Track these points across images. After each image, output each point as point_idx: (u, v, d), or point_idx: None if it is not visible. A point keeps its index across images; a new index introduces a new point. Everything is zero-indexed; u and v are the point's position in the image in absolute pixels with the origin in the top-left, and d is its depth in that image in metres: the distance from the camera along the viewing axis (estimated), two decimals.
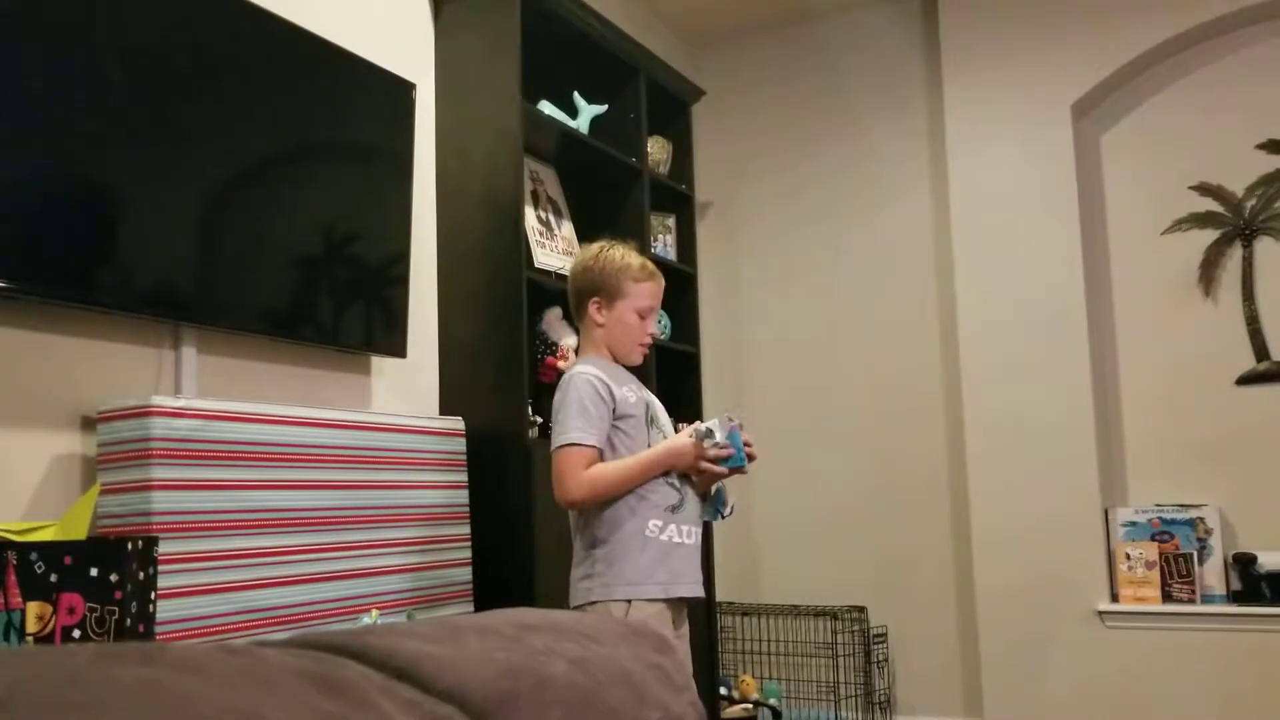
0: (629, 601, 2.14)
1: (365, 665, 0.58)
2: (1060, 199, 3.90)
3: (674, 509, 2.21)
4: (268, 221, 2.43)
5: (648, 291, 2.29)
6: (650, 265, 2.33)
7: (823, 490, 4.30)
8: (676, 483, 2.24)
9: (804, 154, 4.49)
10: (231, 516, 2.16)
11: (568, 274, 2.37)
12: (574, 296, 2.32)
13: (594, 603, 2.16)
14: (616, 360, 2.31)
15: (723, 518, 2.38)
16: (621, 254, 2.30)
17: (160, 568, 1.92)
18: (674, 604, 2.19)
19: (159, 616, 1.90)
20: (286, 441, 2.30)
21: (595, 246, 2.33)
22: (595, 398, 2.16)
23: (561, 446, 2.14)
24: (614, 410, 2.18)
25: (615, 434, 2.19)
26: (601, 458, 2.17)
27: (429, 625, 0.67)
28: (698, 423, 2.22)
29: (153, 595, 1.80)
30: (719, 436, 2.18)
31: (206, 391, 2.33)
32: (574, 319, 2.38)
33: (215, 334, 2.37)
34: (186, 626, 2.03)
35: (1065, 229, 3.88)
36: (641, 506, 2.17)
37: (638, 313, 2.28)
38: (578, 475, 2.13)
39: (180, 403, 2.10)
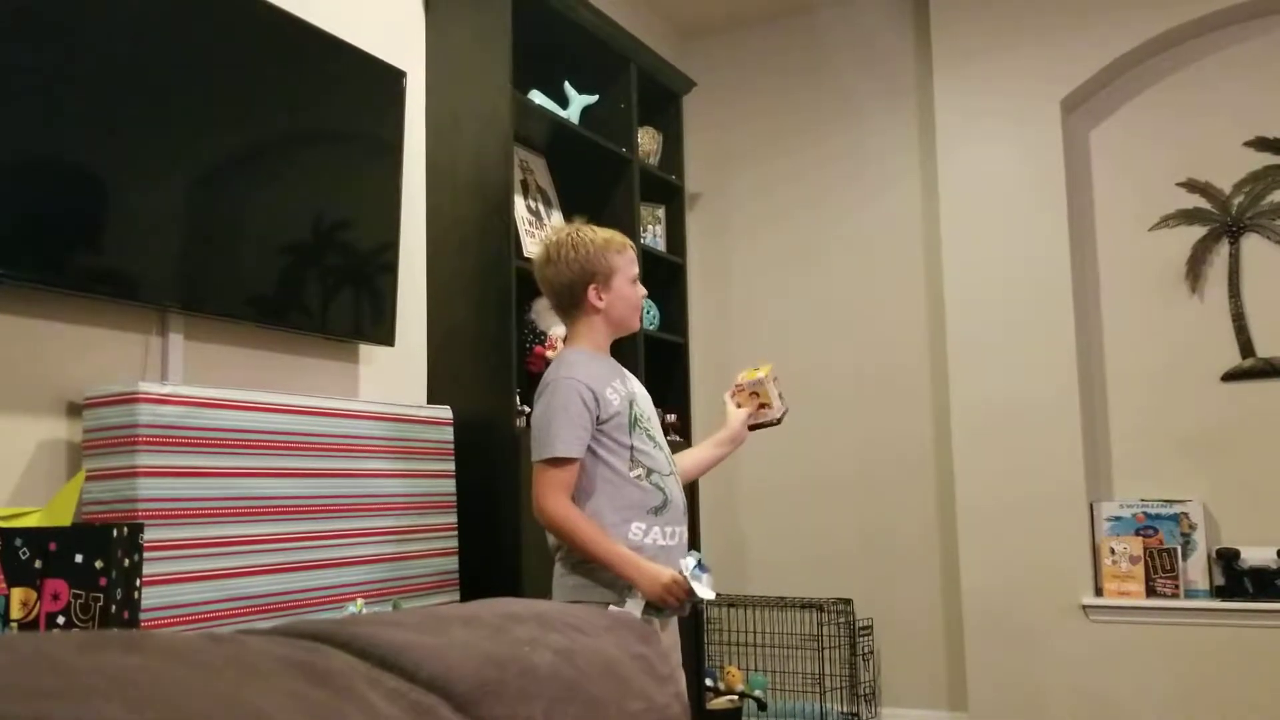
0: (607, 605, 2.07)
1: (350, 654, 0.58)
2: (1048, 194, 3.91)
3: (657, 510, 2.19)
4: (256, 208, 2.42)
5: (631, 258, 2.30)
6: (618, 233, 2.32)
7: (810, 484, 4.31)
8: (661, 482, 2.21)
9: (794, 145, 4.49)
10: (218, 504, 2.15)
11: (541, 273, 2.28)
12: (564, 290, 2.25)
13: (574, 602, 2.12)
14: (618, 332, 2.30)
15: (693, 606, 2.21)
16: (593, 233, 2.27)
17: (146, 555, 1.92)
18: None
19: (144, 604, 1.90)
20: (273, 429, 2.29)
21: (563, 235, 2.27)
22: (580, 408, 2.12)
23: (545, 460, 2.12)
24: (597, 417, 2.15)
25: (596, 440, 2.15)
26: (581, 467, 2.15)
27: (414, 615, 0.67)
28: (690, 561, 2.11)
29: (138, 582, 1.80)
30: (701, 590, 2.07)
31: (193, 378, 2.32)
32: (563, 312, 2.32)
33: (202, 321, 2.36)
34: (172, 614, 2.03)
35: (1053, 224, 3.89)
36: (623, 510, 2.15)
37: (630, 282, 2.28)
38: (558, 498, 2.10)
39: (166, 389, 2.09)
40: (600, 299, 2.24)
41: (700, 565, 2.10)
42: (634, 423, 2.22)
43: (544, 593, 2.78)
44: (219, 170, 2.33)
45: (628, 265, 2.28)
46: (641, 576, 2.08)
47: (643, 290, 2.34)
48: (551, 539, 2.22)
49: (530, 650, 0.65)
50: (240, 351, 2.48)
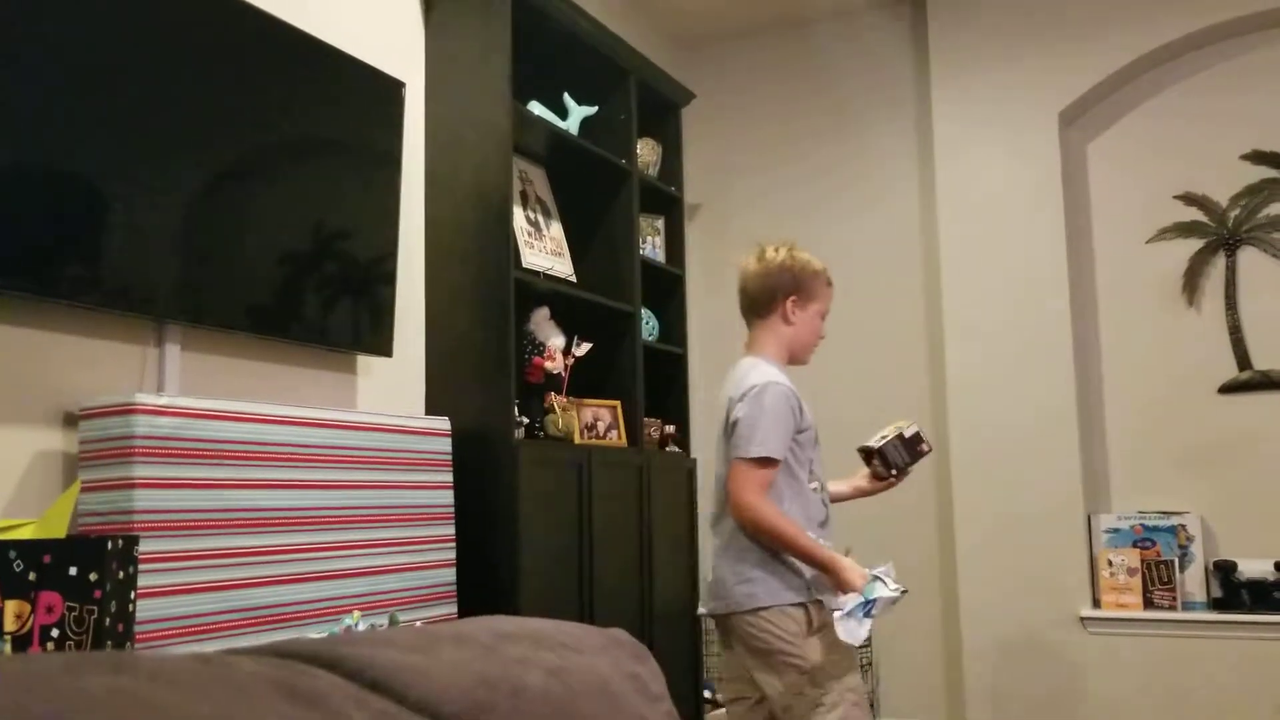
0: (804, 604, 2.23)
1: (339, 675, 0.57)
2: (1046, 206, 3.92)
3: (823, 524, 2.33)
4: (254, 219, 2.42)
5: (830, 296, 2.45)
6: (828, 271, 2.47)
7: None
8: (826, 499, 2.35)
9: (793, 157, 4.50)
10: (214, 515, 2.15)
11: (747, 269, 2.42)
12: (762, 293, 2.39)
13: (764, 608, 2.22)
14: (791, 361, 2.42)
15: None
16: (810, 256, 2.42)
17: (141, 566, 1.91)
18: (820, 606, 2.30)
19: (139, 616, 1.89)
20: (270, 440, 2.29)
21: (782, 247, 2.42)
22: (789, 415, 2.25)
23: (751, 459, 2.20)
24: (798, 427, 2.27)
25: (789, 449, 2.26)
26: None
27: (405, 634, 0.67)
28: (879, 575, 2.21)
29: (132, 595, 1.79)
30: (886, 590, 2.18)
31: (190, 389, 2.32)
32: (753, 315, 2.44)
33: (199, 331, 2.36)
34: (167, 626, 2.02)
35: (1051, 236, 3.90)
36: (802, 520, 2.25)
37: (820, 315, 2.42)
38: (759, 496, 2.19)
39: (163, 400, 2.09)
40: (793, 314, 2.37)
41: (887, 570, 2.22)
42: (814, 442, 2.35)
43: (541, 604, 2.78)
44: (217, 181, 2.33)
45: (826, 299, 2.43)
46: (852, 570, 2.19)
47: (823, 332, 2.47)
48: (716, 542, 2.32)
49: (522, 670, 0.64)
50: (237, 362, 2.47)
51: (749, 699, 2.36)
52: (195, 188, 2.28)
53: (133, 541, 1.82)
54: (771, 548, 2.23)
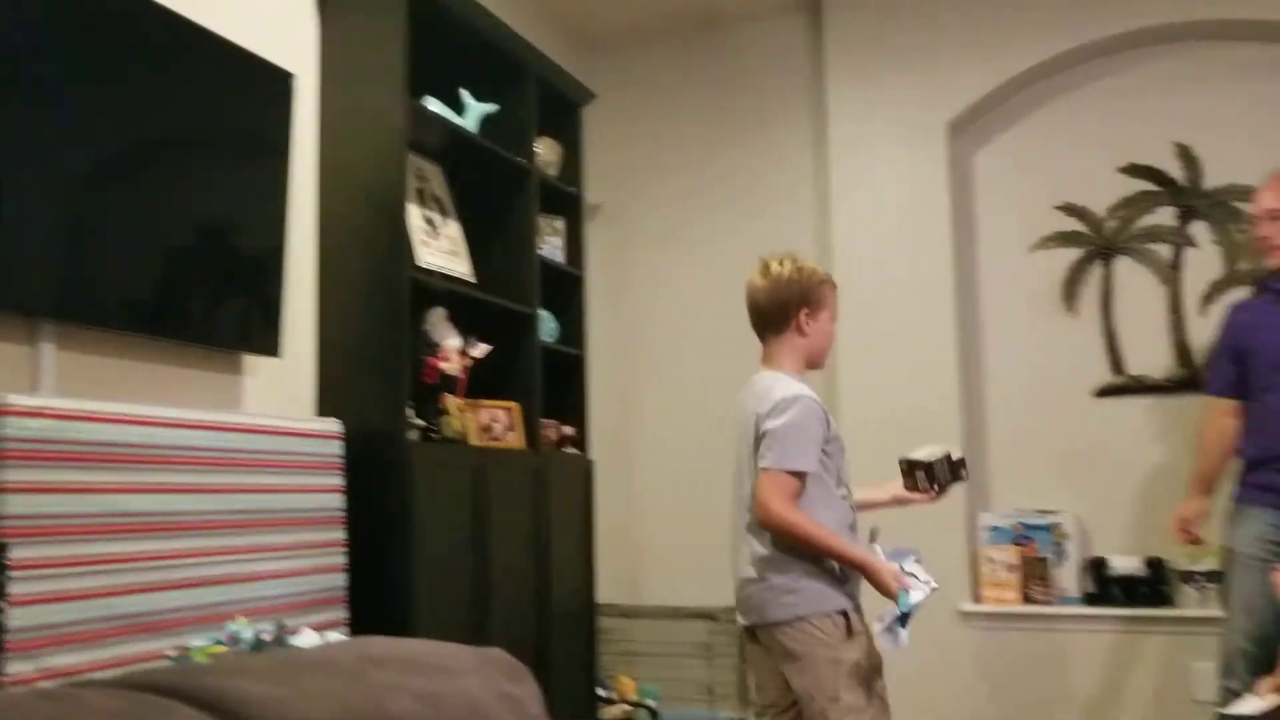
0: (844, 612, 2.29)
1: (196, 708, 0.57)
2: (934, 212, 4.04)
3: (851, 528, 2.40)
4: (135, 213, 2.34)
5: (836, 299, 2.50)
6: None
7: (705, 497, 4.35)
8: (853, 504, 2.42)
9: (694, 158, 4.54)
10: (92, 520, 2.08)
11: (755, 284, 2.46)
12: (775, 308, 2.43)
13: (802, 617, 2.28)
14: (809, 367, 2.48)
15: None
16: (813, 264, 2.46)
17: (14, 573, 1.85)
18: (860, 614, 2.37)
19: (13, 624, 1.83)
20: (151, 443, 2.23)
21: (786, 259, 2.45)
22: (818, 427, 2.32)
23: (784, 470, 2.26)
24: (825, 437, 2.33)
25: (820, 457, 2.32)
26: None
27: (266, 662, 0.66)
28: (910, 573, 2.30)
29: (3, 604, 1.73)
30: (919, 594, 2.27)
31: (66, 390, 2.23)
32: (767, 330, 2.48)
33: (76, 330, 2.28)
34: (43, 634, 1.95)
35: (938, 242, 4.02)
36: (831, 525, 2.30)
37: (831, 320, 2.48)
38: (787, 504, 2.25)
39: (37, 402, 2.01)
40: (807, 325, 2.43)
41: (916, 560, 2.33)
42: (842, 447, 2.41)
43: (436, 608, 2.76)
44: (96, 172, 2.25)
45: (834, 303, 2.49)
46: (885, 571, 2.26)
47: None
48: (757, 554, 2.33)
49: (389, 697, 0.64)
50: (117, 362, 2.39)
51: (778, 706, 2.43)
52: (73, 179, 2.20)
53: (2, 548, 1.76)
54: (808, 555, 2.29)
